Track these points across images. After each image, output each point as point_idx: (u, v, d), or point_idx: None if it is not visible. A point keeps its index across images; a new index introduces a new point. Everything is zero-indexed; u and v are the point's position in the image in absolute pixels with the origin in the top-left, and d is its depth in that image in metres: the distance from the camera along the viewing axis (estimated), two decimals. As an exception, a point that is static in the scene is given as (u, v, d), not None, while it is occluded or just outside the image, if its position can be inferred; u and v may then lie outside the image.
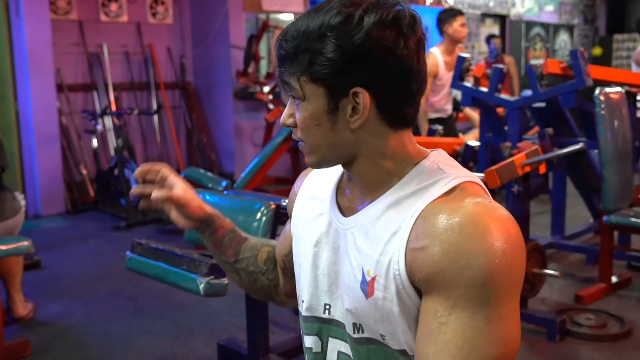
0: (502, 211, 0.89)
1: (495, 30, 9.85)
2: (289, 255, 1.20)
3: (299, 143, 1.00)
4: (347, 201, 1.04)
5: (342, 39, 0.89)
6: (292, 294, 1.24)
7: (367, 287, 0.95)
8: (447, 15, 4.82)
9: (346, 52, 0.89)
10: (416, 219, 0.91)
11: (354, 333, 1.00)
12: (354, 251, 0.98)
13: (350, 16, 0.90)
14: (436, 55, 4.83)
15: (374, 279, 0.94)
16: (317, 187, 1.12)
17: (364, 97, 0.91)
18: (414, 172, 0.96)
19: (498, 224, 0.87)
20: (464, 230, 0.86)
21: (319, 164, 1.00)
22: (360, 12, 0.90)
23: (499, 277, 0.85)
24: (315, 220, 1.08)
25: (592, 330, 3.10)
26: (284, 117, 1.00)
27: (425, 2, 8.52)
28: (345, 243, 1.01)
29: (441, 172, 0.95)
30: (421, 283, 0.89)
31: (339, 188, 1.07)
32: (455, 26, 4.78)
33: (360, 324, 0.99)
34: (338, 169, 1.09)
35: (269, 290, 1.26)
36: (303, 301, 1.10)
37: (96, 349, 3.07)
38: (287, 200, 1.25)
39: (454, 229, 0.86)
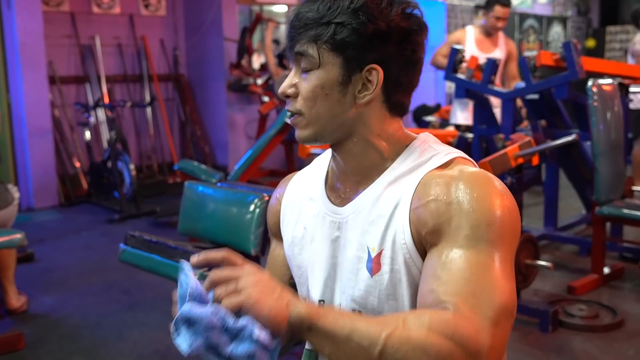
0: (494, 176, 0.96)
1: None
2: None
3: (293, 117, 1.01)
4: (339, 194, 1.05)
5: (372, 15, 0.94)
6: None
7: (372, 264, 0.97)
8: None
9: (373, 27, 0.94)
10: (416, 186, 0.95)
11: None
12: (356, 234, 1.00)
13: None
14: None
15: (379, 254, 0.96)
16: (304, 188, 1.12)
17: (379, 75, 0.96)
18: (407, 152, 1.01)
19: (496, 184, 0.94)
20: (467, 186, 0.91)
21: (315, 137, 1.01)
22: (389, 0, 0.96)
23: (502, 222, 0.90)
24: (307, 219, 1.09)
25: (584, 321, 3.12)
26: (285, 86, 1.01)
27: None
28: (346, 231, 1.02)
29: (433, 149, 1.00)
30: (427, 236, 0.92)
31: (327, 185, 1.08)
32: None
33: (359, 311, 1.00)
34: (322, 168, 1.10)
35: None
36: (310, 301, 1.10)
37: (90, 341, 3.07)
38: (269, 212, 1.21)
39: (458, 187, 0.92)
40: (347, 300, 1.02)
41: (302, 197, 1.12)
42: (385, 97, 0.99)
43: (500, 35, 4.94)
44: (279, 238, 1.18)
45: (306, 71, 0.98)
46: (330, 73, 0.96)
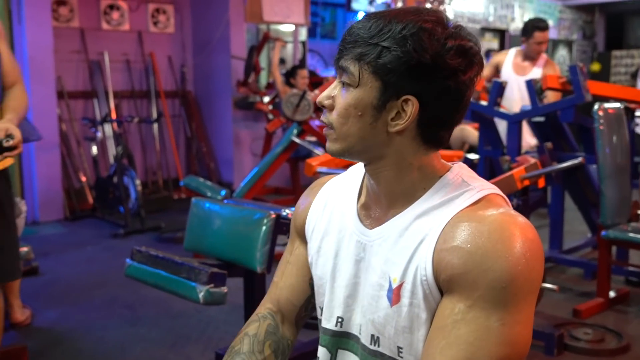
0: (524, 220, 0.94)
1: (495, 44, 9.90)
2: (312, 296, 1.17)
3: (326, 128, 1.01)
4: (370, 214, 1.05)
5: (420, 46, 0.92)
6: (295, 335, 1.22)
7: (392, 295, 0.97)
8: None
9: (418, 59, 0.92)
10: (445, 226, 0.94)
11: (371, 345, 1.02)
12: (380, 261, 1.00)
13: (435, 31, 0.92)
14: None
15: (400, 286, 0.96)
16: (334, 199, 1.13)
17: (414, 107, 0.94)
18: (439, 184, 0.99)
19: (522, 233, 0.91)
20: (491, 236, 0.90)
21: (342, 153, 1.01)
22: (446, 33, 0.93)
23: (519, 282, 0.89)
24: (334, 232, 1.09)
25: (589, 344, 3.10)
26: (323, 96, 1.00)
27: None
28: (371, 254, 1.02)
29: (466, 184, 0.99)
30: (444, 283, 0.92)
31: (360, 201, 1.08)
32: None
33: (378, 337, 1.00)
34: (357, 182, 1.10)
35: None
36: (323, 313, 1.11)
37: (93, 356, 3.06)
38: (292, 213, 1.23)
39: (482, 234, 0.90)
40: (367, 324, 1.02)
41: (333, 208, 1.12)
42: (420, 129, 0.96)
43: (543, 57, 5.03)
44: (303, 239, 1.18)
45: (346, 86, 0.97)
46: (366, 94, 0.95)
